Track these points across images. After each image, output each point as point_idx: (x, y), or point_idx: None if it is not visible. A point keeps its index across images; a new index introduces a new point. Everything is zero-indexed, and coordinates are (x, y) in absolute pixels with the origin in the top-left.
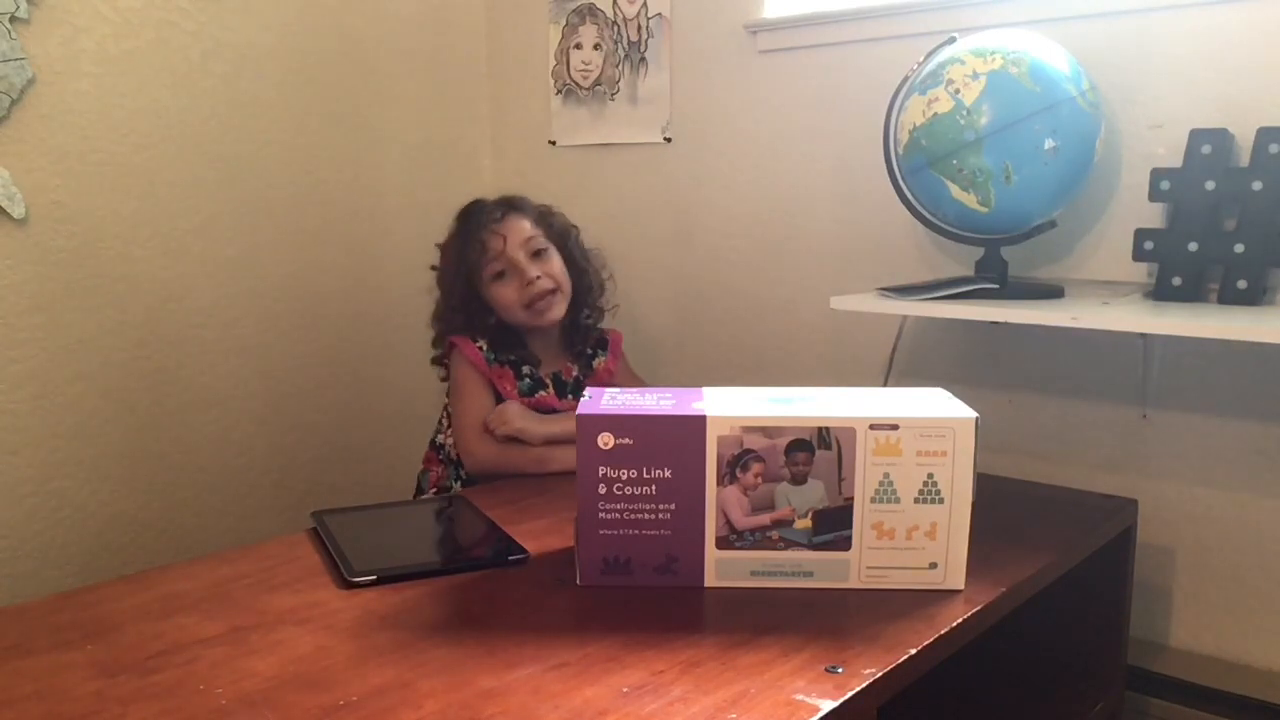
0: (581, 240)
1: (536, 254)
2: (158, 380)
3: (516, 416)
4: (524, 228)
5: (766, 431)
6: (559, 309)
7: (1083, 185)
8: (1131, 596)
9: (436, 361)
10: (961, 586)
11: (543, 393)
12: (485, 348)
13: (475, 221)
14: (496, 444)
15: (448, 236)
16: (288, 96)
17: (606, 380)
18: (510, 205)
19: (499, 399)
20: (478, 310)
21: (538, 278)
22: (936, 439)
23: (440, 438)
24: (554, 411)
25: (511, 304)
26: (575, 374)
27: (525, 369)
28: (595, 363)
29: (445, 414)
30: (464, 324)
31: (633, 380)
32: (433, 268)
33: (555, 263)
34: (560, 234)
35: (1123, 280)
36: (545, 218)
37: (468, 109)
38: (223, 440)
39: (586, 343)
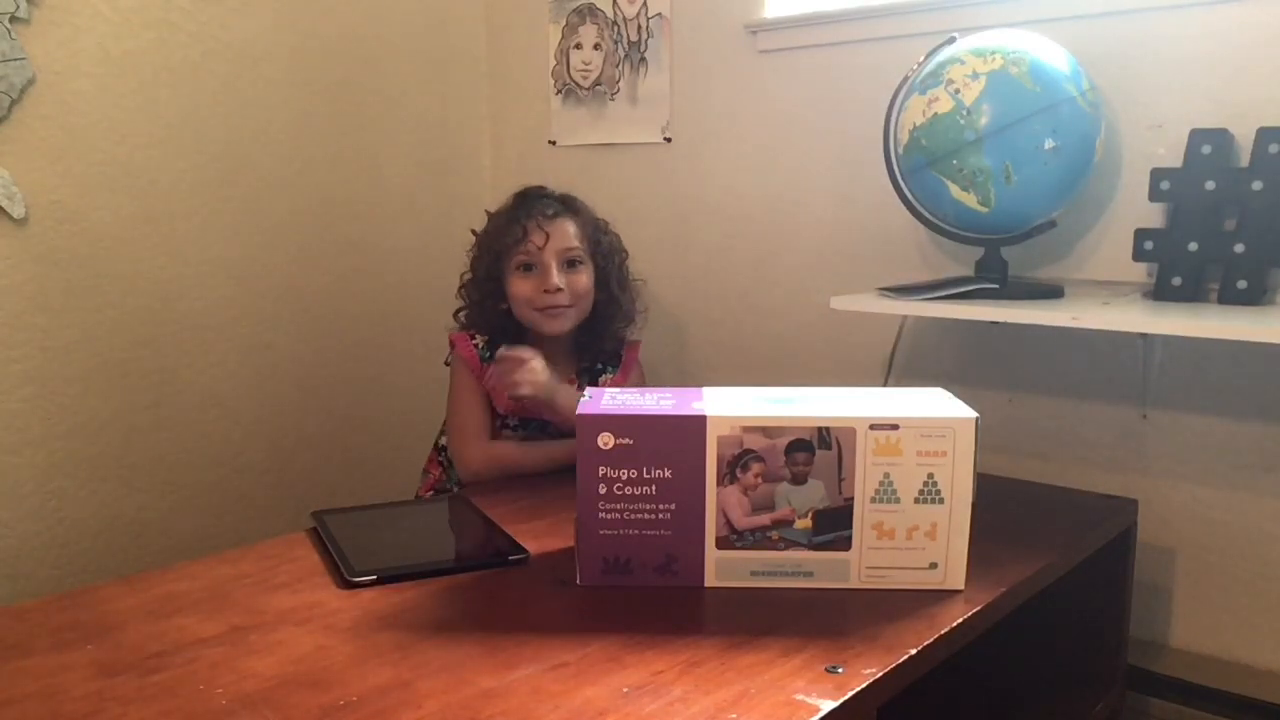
0: (626, 267)
1: (570, 264)
2: (158, 380)
3: (540, 374)
4: (569, 234)
5: (766, 431)
6: (566, 324)
7: (1083, 185)
8: (1131, 596)
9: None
10: (961, 586)
11: None
12: (481, 345)
13: (528, 208)
14: (489, 453)
15: (499, 208)
16: (288, 96)
17: None
18: (567, 206)
19: (490, 402)
20: (492, 292)
21: (558, 289)
22: (936, 439)
23: (443, 439)
24: (538, 421)
25: (523, 300)
26: (578, 386)
27: None
28: (601, 378)
29: None
30: (478, 300)
31: None
32: (473, 232)
33: (584, 279)
34: (604, 254)
35: (1123, 280)
36: (596, 232)
37: (468, 109)
38: (223, 440)
39: (598, 357)
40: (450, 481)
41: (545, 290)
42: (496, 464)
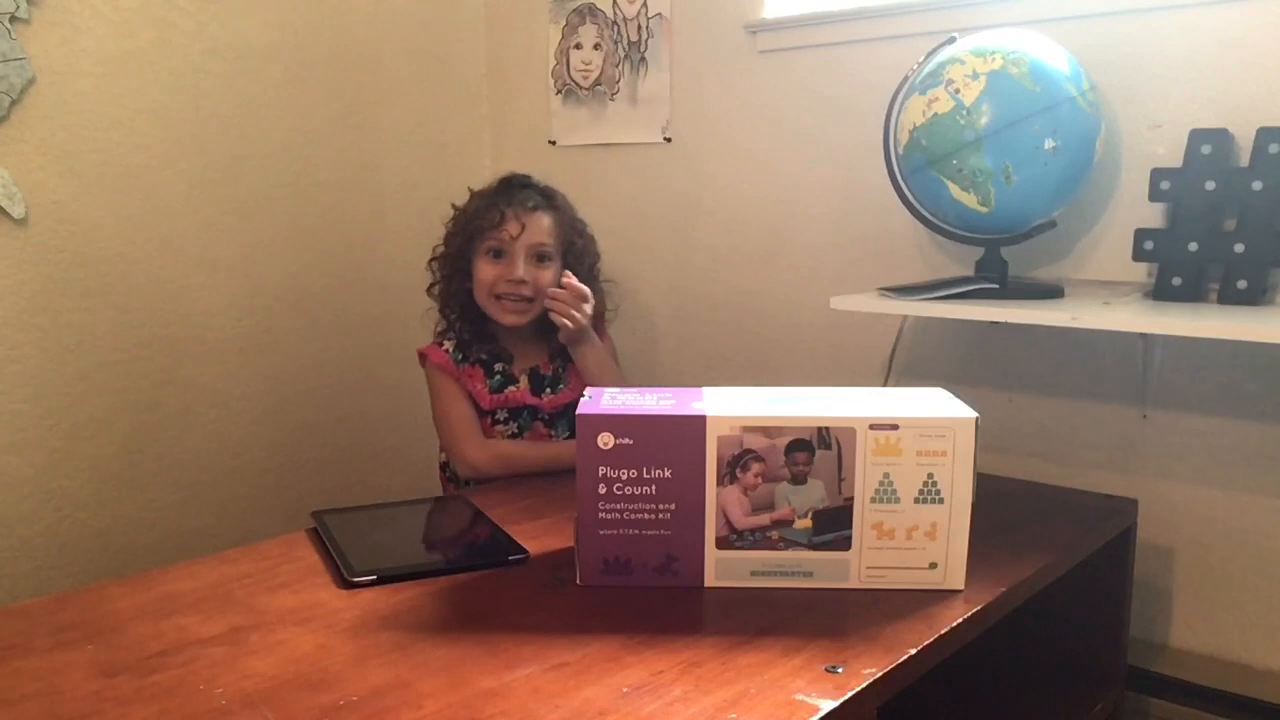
0: (597, 269)
1: (539, 258)
2: (158, 380)
3: (587, 317)
4: (543, 228)
5: (766, 431)
6: (523, 318)
7: (1083, 185)
8: (1131, 596)
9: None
10: (961, 586)
11: (513, 388)
12: (451, 349)
13: (509, 195)
14: (492, 450)
15: (481, 189)
16: (288, 96)
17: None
18: (548, 200)
19: (474, 400)
20: (459, 269)
21: (522, 281)
22: (936, 439)
23: (444, 457)
24: (527, 408)
25: (485, 284)
26: (554, 369)
27: (497, 366)
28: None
29: None
30: (446, 275)
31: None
32: (453, 206)
33: (549, 275)
34: (575, 254)
35: (1123, 280)
36: (571, 232)
37: (468, 109)
38: (223, 440)
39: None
40: None
41: (509, 280)
42: (500, 460)
